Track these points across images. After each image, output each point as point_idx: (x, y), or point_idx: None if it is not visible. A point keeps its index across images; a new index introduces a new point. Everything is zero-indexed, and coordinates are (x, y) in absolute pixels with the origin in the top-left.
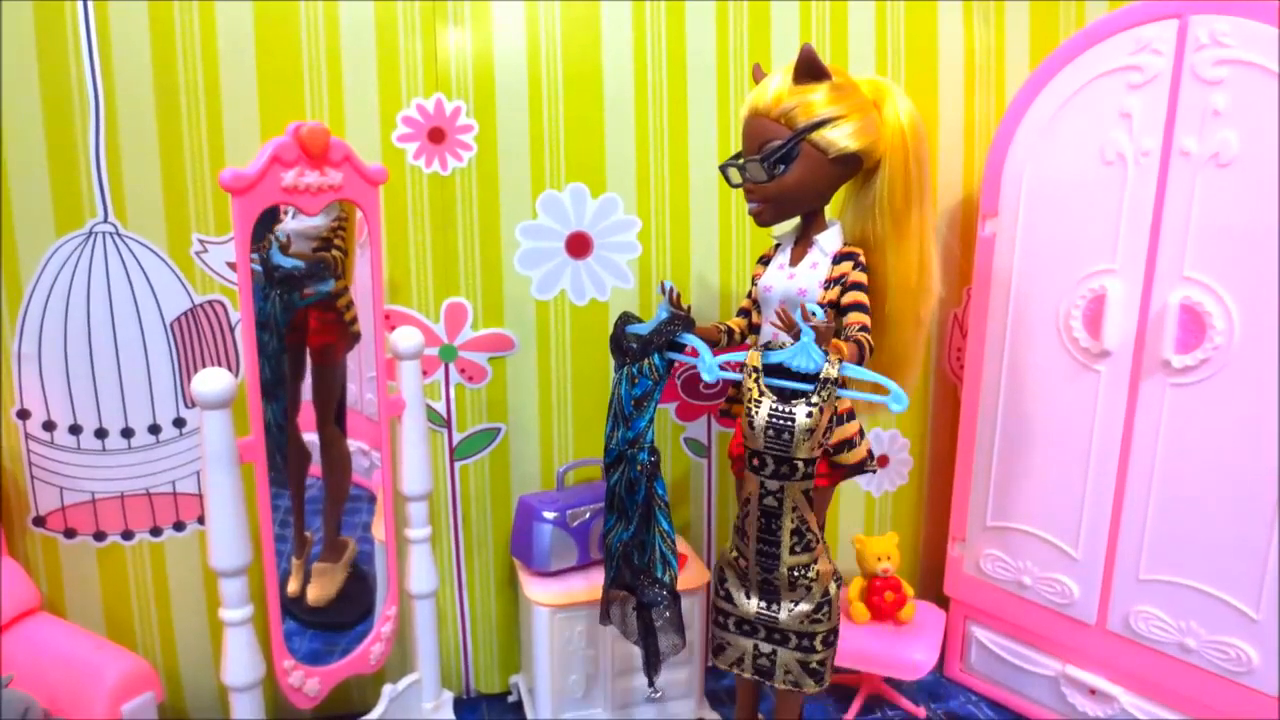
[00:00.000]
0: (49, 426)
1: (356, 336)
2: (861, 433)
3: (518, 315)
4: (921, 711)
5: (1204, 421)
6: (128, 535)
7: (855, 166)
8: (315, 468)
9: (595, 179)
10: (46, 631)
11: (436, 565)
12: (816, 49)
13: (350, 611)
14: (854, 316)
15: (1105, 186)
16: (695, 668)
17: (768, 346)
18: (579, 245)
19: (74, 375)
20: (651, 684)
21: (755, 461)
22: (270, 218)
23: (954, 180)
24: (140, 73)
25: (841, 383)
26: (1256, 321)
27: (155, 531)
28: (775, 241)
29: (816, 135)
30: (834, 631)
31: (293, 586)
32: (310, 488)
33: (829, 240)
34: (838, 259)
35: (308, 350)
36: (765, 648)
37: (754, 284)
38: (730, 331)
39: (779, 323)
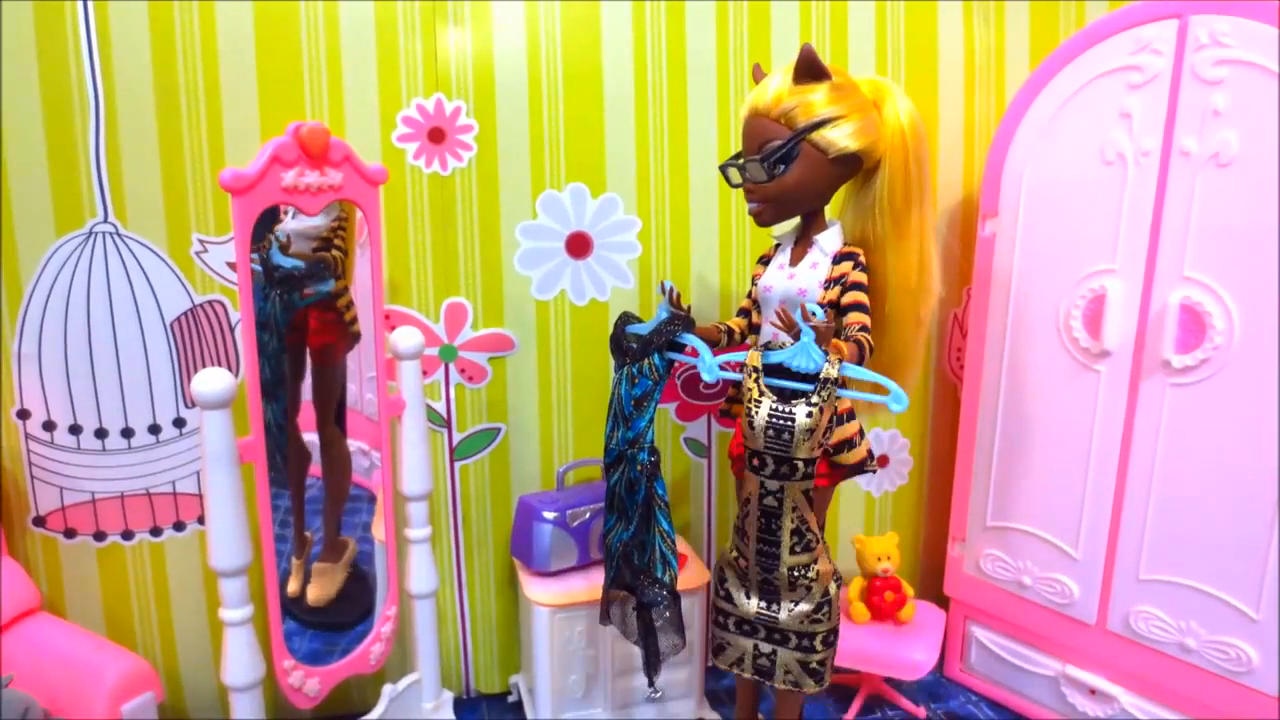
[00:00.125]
0: (49, 426)
1: (356, 336)
2: (861, 433)
3: (518, 315)
4: (921, 711)
5: (1204, 421)
6: (128, 535)
7: (855, 166)
8: (315, 468)
9: (595, 179)
10: (46, 631)
11: (436, 565)
12: (816, 49)
13: (350, 611)
14: (854, 316)
15: (1105, 186)
16: (695, 668)
17: (768, 346)
18: (579, 245)
19: (74, 375)
20: (651, 684)
21: (755, 461)
22: (270, 218)
23: (954, 180)
24: (140, 73)
25: (841, 383)
26: (1256, 321)
27: (155, 531)
28: (775, 241)
29: (816, 135)
30: (834, 631)
31: (293, 586)
32: (310, 488)
33: (829, 240)
34: (838, 259)
35: (308, 350)
36: (765, 648)
37: (754, 284)
38: (730, 331)
39: (779, 323)
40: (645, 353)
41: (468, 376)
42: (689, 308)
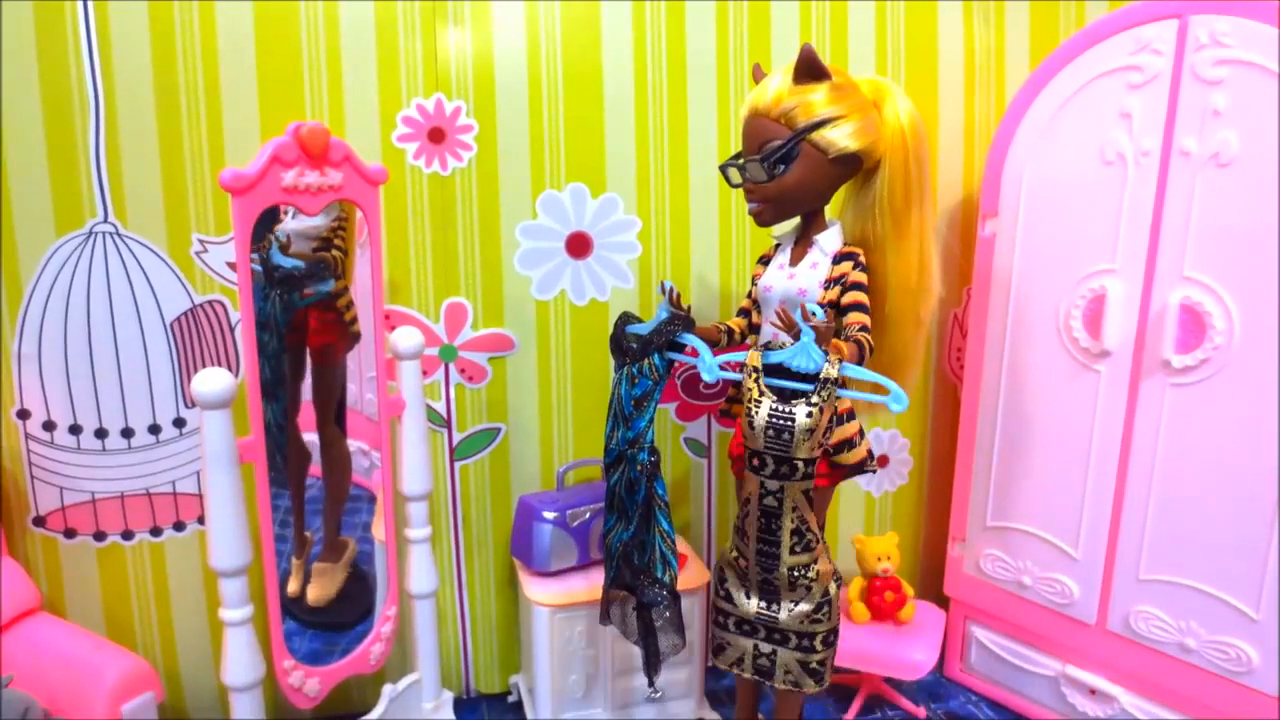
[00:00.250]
0: (49, 426)
1: (356, 336)
2: (861, 433)
3: (518, 315)
4: (921, 711)
5: (1204, 421)
6: (128, 535)
7: (855, 166)
8: (315, 468)
9: (595, 179)
10: (46, 631)
11: (436, 565)
12: (816, 49)
13: (350, 611)
14: (854, 316)
15: (1105, 186)
16: (695, 668)
17: (768, 346)
18: (579, 245)
19: (74, 375)
20: (651, 684)
21: (755, 461)
22: (270, 218)
23: (954, 180)
24: (140, 73)
25: (841, 383)
26: (1256, 321)
27: (155, 531)
28: (775, 241)
29: (816, 135)
30: (834, 631)
31: (293, 586)
32: (310, 488)
33: (829, 240)
34: (838, 259)
35: (308, 350)
36: (765, 648)
37: (754, 284)
38: (730, 331)
39: (779, 323)
40: (645, 353)
41: (468, 376)
42: (689, 308)
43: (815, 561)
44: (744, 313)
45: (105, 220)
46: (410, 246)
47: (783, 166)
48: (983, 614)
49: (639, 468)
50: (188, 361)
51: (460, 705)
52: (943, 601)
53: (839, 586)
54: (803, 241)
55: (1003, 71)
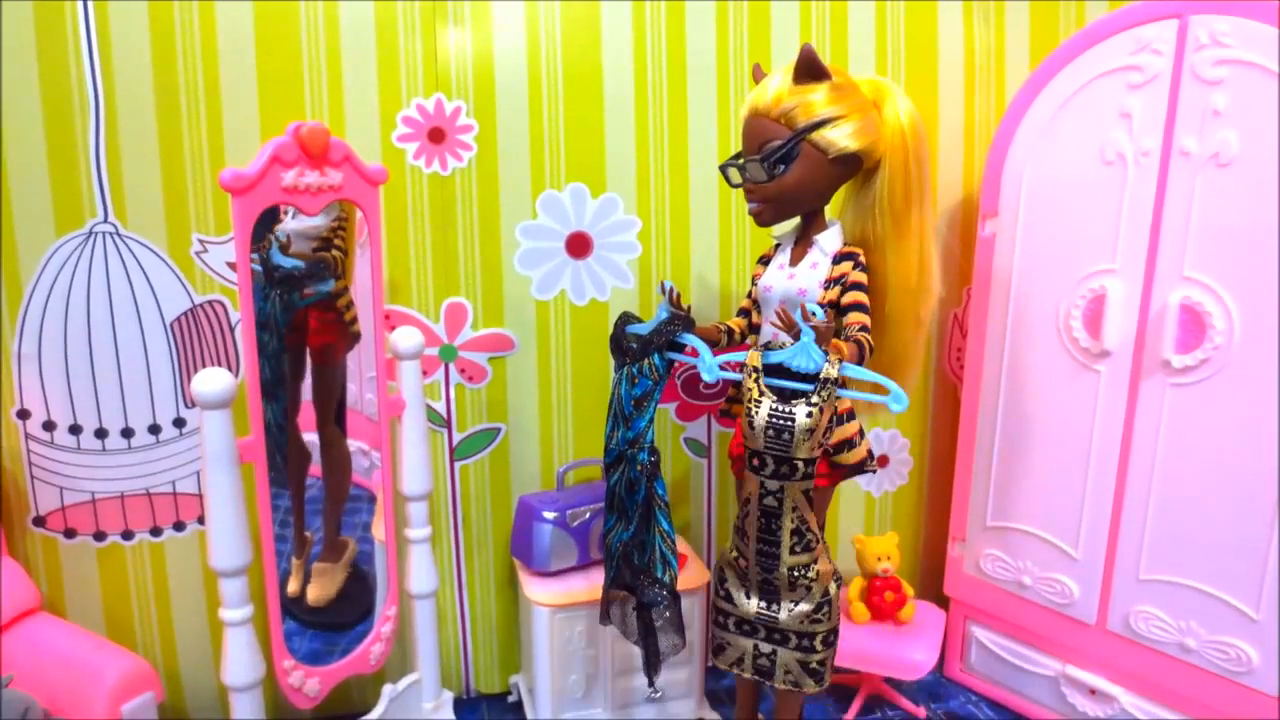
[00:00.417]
0: (49, 426)
1: (356, 336)
2: (861, 433)
3: (518, 315)
4: (921, 711)
5: (1204, 421)
6: (128, 535)
7: (855, 166)
8: (315, 468)
9: (595, 179)
10: (46, 631)
11: (436, 565)
12: (816, 49)
13: (350, 611)
14: (854, 316)
15: (1105, 186)
16: (695, 668)
17: (768, 346)
18: (579, 245)
19: (74, 375)
20: (651, 684)
21: (755, 461)
22: (270, 218)
23: (954, 180)
24: (140, 72)
25: (841, 383)
26: (1256, 321)
27: (155, 531)
28: (775, 241)
29: (816, 135)
30: (834, 631)
31: (293, 586)
32: (310, 488)
33: (829, 240)
34: (838, 259)
35: (308, 350)
36: (765, 648)
37: (754, 284)
38: (730, 331)
39: (779, 323)
40: (645, 353)
41: (468, 376)
42: (689, 308)
43: (815, 561)
44: (744, 313)
45: (105, 220)
46: (410, 246)
47: (783, 166)
48: (983, 614)
49: (639, 468)
50: (188, 361)
51: (460, 705)
52: (943, 601)
53: (839, 586)
54: (803, 241)
55: (1003, 71)
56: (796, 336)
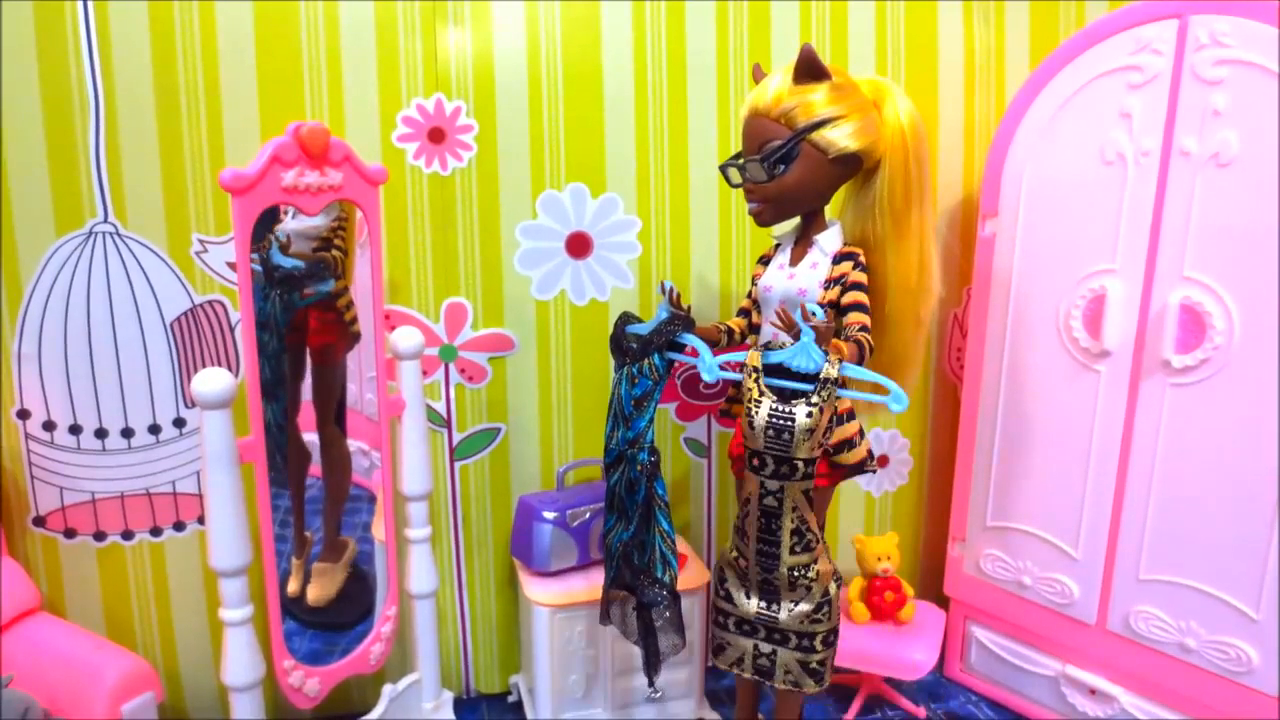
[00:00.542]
0: (49, 426)
1: (356, 336)
2: (861, 433)
3: (518, 315)
4: (921, 711)
5: (1204, 421)
6: (128, 535)
7: (855, 166)
8: (315, 468)
9: (595, 179)
10: (46, 631)
11: (436, 565)
12: (816, 49)
13: (350, 611)
14: (854, 316)
15: (1105, 186)
16: (695, 668)
17: (768, 346)
18: (579, 245)
19: (74, 375)
20: (651, 684)
21: (755, 461)
22: (270, 218)
23: (954, 180)
24: (140, 72)
25: (841, 383)
26: (1256, 321)
27: (155, 531)
28: (775, 241)
29: (816, 135)
30: (834, 631)
31: (293, 586)
32: (310, 488)
33: (829, 240)
34: (838, 259)
35: (308, 350)
36: (765, 648)
37: (754, 284)
38: (730, 331)
39: (779, 323)
40: (645, 353)
41: (468, 376)
42: (689, 308)
43: (815, 561)
44: (744, 313)
45: (105, 220)
46: (410, 246)
47: (783, 166)
48: (983, 614)
49: (639, 468)
50: (188, 361)
51: (460, 705)
52: (943, 601)
53: (839, 586)
54: (803, 241)
55: (1003, 71)
56: (796, 336)
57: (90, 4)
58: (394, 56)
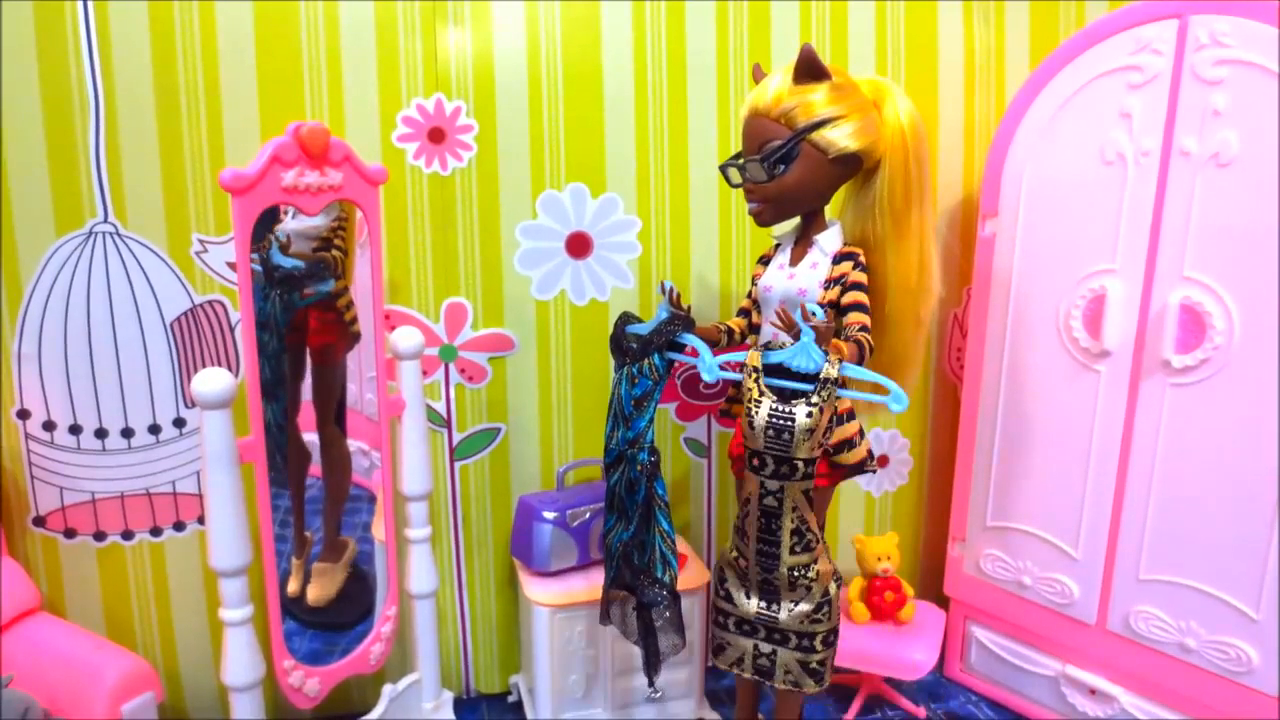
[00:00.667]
0: (49, 426)
1: (356, 336)
2: (861, 433)
3: (518, 315)
4: (921, 711)
5: (1204, 421)
6: (128, 535)
7: (855, 166)
8: (315, 468)
9: (595, 179)
10: (46, 631)
11: (436, 565)
12: (816, 49)
13: (350, 611)
14: (854, 316)
15: (1105, 186)
16: (695, 668)
17: (768, 347)
18: (579, 245)
19: (74, 375)
20: (652, 684)
21: (755, 461)
22: (270, 218)
23: (954, 180)
24: (140, 73)
25: (842, 383)
26: (1256, 321)
27: (155, 531)
28: (775, 241)
29: (816, 135)
30: (834, 631)
31: (293, 587)
32: (310, 488)
33: (829, 240)
34: (838, 259)
35: (308, 350)
36: (765, 648)
37: (754, 284)
38: (730, 331)
39: (779, 323)
40: (645, 353)
41: (468, 376)
42: (689, 308)
43: (815, 561)
44: (744, 313)
45: (105, 220)
46: (410, 246)
47: (783, 166)
48: (983, 614)
49: (639, 468)
50: (188, 361)
51: (460, 705)
52: (943, 601)
53: (839, 586)
54: (803, 241)
55: (1003, 71)
56: (796, 336)
57: (90, 4)
58: (394, 56)
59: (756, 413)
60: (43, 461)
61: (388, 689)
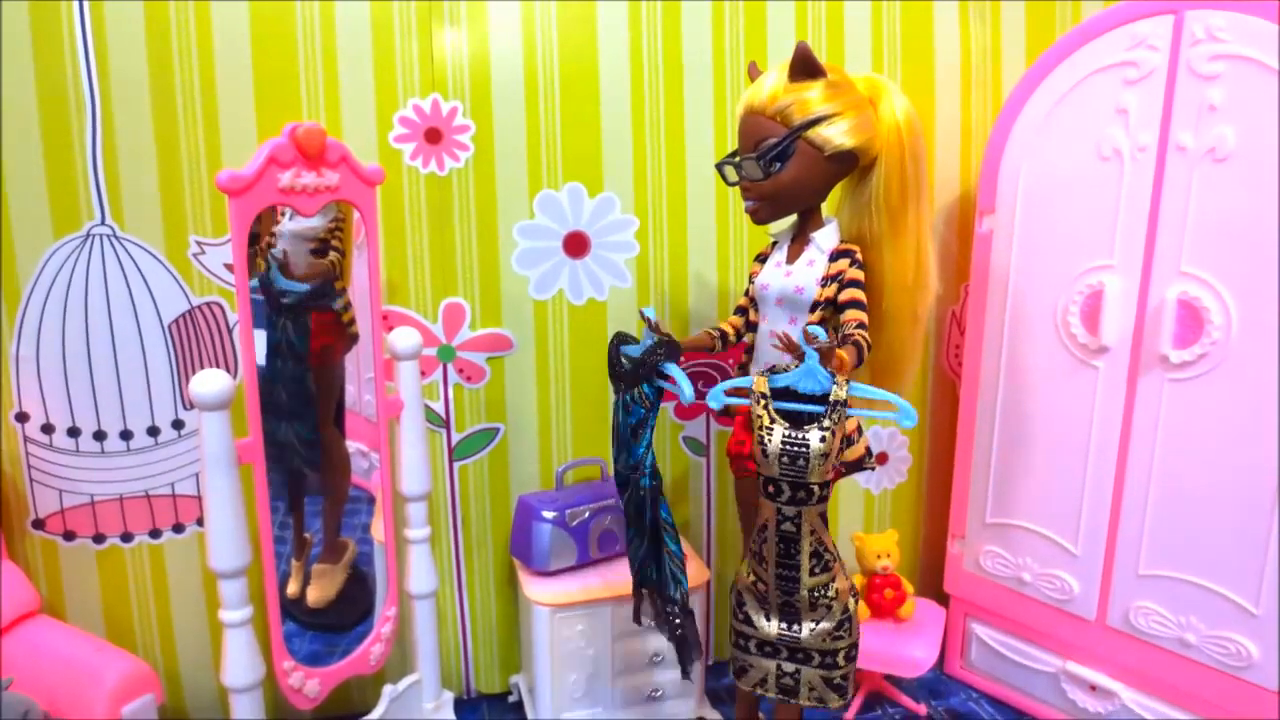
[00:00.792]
0: (47, 429)
1: (354, 337)
2: (860, 429)
3: (516, 315)
4: (922, 709)
5: (1202, 416)
6: (127, 537)
7: (851, 164)
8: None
9: (592, 178)
10: (46, 634)
11: (436, 565)
12: (812, 47)
13: (350, 612)
14: (851, 314)
15: (1102, 182)
16: (695, 667)
17: (772, 370)
18: (576, 245)
19: (72, 378)
20: (686, 674)
21: (770, 489)
22: (268, 218)
23: (951, 177)
24: (137, 74)
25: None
26: (1254, 316)
27: (154, 533)
28: (772, 239)
29: (812, 133)
30: (855, 646)
31: (292, 588)
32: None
33: (826, 237)
34: (834, 256)
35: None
36: (789, 667)
37: (751, 282)
38: (724, 335)
39: (780, 345)
40: (634, 382)
41: (466, 376)
42: (669, 335)
43: (834, 580)
44: (741, 310)
45: (103, 222)
46: (408, 247)
47: (779, 164)
48: (983, 611)
49: (641, 492)
50: (186, 363)
51: (460, 705)
52: (943, 598)
53: (857, 601)
54: (799, 239)
55: (999, 68)
56: (800, 359)
57: (86, 5)
58: (390, 57)
59: (769, 440)
60: (41, 464)
61: (388, 689)
